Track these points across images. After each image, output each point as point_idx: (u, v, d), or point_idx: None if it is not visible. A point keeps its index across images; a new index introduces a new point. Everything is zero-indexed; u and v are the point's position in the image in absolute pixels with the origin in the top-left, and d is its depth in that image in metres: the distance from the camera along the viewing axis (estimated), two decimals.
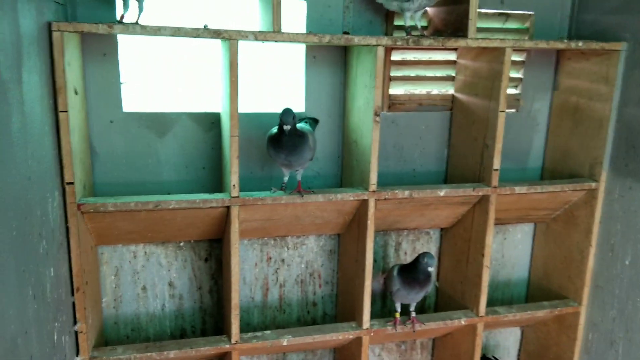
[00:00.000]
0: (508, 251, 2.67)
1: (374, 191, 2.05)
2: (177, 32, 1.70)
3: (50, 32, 1.59)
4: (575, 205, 2.42)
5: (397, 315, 2.21)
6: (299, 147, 1.88)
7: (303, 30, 2.14)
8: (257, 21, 2.07)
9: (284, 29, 1.85)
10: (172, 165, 2.11)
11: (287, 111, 1.82)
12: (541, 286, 2.65)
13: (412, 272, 2.11)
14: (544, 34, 2.41)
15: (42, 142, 1.50)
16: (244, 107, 1.88)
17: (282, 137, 1.84)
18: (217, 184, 2.16)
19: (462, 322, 2.29)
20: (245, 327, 2.33)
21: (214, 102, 2.10)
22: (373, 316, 2.21)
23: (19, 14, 1.32)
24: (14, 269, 1.24)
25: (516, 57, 2.43)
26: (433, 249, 2.55)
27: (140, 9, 1.78)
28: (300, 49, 2.19)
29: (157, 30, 1.69)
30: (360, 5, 2.17)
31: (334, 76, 2.22)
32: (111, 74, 1.96)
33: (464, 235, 2.36)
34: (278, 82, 2.28)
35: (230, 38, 1.76)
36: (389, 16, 2.22)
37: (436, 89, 2.39)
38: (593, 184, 2.32)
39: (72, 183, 1.70)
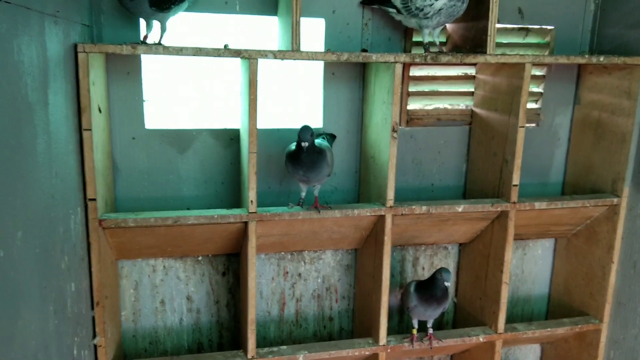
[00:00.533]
0: (528, 267, 2.63)
1: (391, 207, 2.05)
2: (198, 52, 1.74)
3: (76, 53, 1.63)
4: (597, 220, 2.38)
5: (414, 331, 2.20)
6: (317, 164, 1.89)
7: (321, 46, 2.16)
8: (276, 39, 2.10)
9: (302, 46, 1.87)
10: (192, 181, 2.14)
11: (306, 128, 1.83)
12: (562, 302, 2.61)
13: (429, 288, 2.10)
14: (565, 48, 2.39)
15: (67, 160, 1.54)
16: (262, 123, 1.90)
17: (301, 153, 1.86)
18: (235, 198, 2.18)
19: (481, 339, 2.26)
20: (262, 342, 2.34)
21: (233, 118, 2.13)
22: (390, 332, 2.20)
23: (46, 38, 1.36)
24: (36, 286, 1.27)
25: (536, 72, 2.41)
26: (451, 264, 2.53)
27: (163, 30, 1.82)
28: (319, 65, 2.21)
29: (179, 51, 1.72)
30: (379, 22, 2.18)
31: (352, 92, 2.23)
32: (134, 92, 2.00)
33: (483, 250, 2.34)
34: (296, 98, 2.30)
35: (250, 57, 1.78)
36: (407, 32, 2.22)
37: (455, 104, 2.38)
38: (615, 200, 2.28)
39: (94, 199, 1.73)
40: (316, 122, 2.24)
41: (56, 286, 1.42)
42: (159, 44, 1.80)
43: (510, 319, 2.50)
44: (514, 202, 2.16)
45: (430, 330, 2.21)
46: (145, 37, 1.84)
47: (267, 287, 2.33)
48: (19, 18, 1.18)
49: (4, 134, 1.09)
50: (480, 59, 2.02)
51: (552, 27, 2.38)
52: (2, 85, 1.09)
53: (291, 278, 2.36)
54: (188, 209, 2.12)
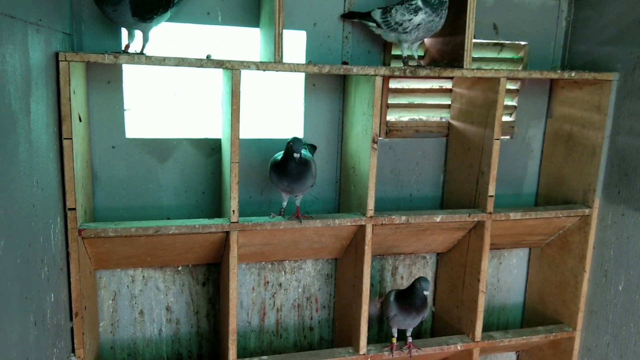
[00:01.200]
0: (503, 276, 2.69)
1: (371, 217, 2.08)
2: (181, 62, 1.75)
3: (57, 62, 1.62)
4: (569, 231, 2.46)
5: (394, 340, 2.23)
6: (302, 175, 1.91)
7: (302, 58, 2.19)
8: (257, 50, 2.12)
9: (284, 58, 1.89)
10: (172, 190, 2.13)
11: (298, 140, 1.85)
12: (536, 311, 2.67)
13: (408, 297, 2.13)
14: (537, 63, 2.48)
15: (47, 169, 1.53)
16: (243, 133, 1.91)
17: (287, 164, 1.87)
18: (216, 208, 2.18)
19: (459, 347, 2.30)
20: (242, 352, 2.33)
21: (214, 128, 2.14)
22: (370, 341, 2.22)
23: (29, 46, 1.36)
24: (17, 296, 1.25)
25: (511, 86, 2.49)
26: (429, 273, 2.57)
27: (146, 39, 1.82)
28: (300, 77, 2.23)
29: (161, 61, 1.73)
30: (359, 35, 2.22)
31: (332, 103, 2.26)
32: (115, 101, 1.99)
33: (460, 260, 2.39)
34: (277, 109, 2.32)
35: (232, 68, 1.80)
36: (386, 46, 2.27)
37: (433, 116, 2.44)
38: (586, 210, 2.36)
39: (74, 209, 1.72)
40: (297, 132, 2.26)
41: (36, 297, 1.40)
42: (142, 53, 1.81)
43: (486, 328, 2.54)
44: (490, 213, 2.21)
45: (410, 339, 2.24)
46: (127, 46, 1.84)
47: (247, 297, 2.33)
48: (4, 27, 1.18)
49: None
50: (457, 72, 2.08)
51: (525, 43, 2.46)
52: None
53: (272, 288, 2.36)
54: (168, 218, 2.11)
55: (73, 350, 1.79)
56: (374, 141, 2.00)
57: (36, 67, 1.42)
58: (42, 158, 1.48)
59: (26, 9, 1.34)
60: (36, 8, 1.42)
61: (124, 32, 1.90)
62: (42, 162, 1.48)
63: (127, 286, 2.16)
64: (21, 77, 1.29)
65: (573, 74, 2.21)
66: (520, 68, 2.48)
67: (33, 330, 1.37)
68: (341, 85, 2.25)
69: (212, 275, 2.25)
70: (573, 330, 2.45)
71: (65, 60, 1.64)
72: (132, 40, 1.84)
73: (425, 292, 2.08)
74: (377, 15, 2.06)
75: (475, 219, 2.22)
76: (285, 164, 1.88)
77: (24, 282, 1.30)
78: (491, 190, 2.19)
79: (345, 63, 2.22)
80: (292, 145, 1.84)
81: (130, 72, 2.03)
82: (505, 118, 2.51)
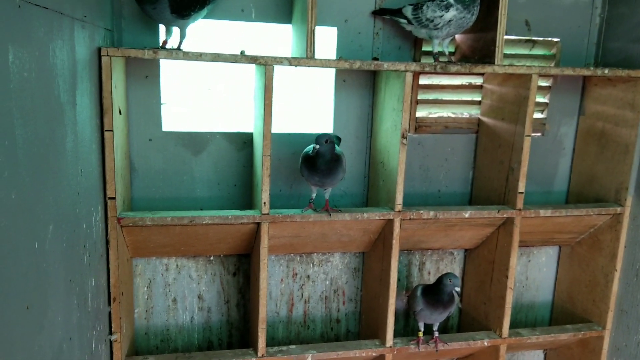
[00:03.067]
0: (532, 273, 2.68)
1: (399, 211, 2.10)
2: (216, 57, 1.80)
3: (99, 57, 1.69)
4: (600, 229, 2.43)
5: (420, 334, 2.24)
6: (334, 169, 1.95)
7: (333, 54, 2.23)
8: (288, 46, 2.16)
9: (316, 54, 1.93)
10: (206, 182, 2.19)
11: (324, 135, 1.89)
12: (565, 309, 2.65)
13: (435, 292, 2.14)
14: (570, 60, 2.45)
15: (90, 159, 1.60)
16: (274, 128, 1.96)
17: (318, 158, 1.91)
18: (247, 200, 2.24)
19: (485, 343, 2.31)
20: (270, 342, 2.38)
21: (247, 122, 2.19)
22: (396, 334, 2.24)
23: (75, 41, 1.43)
24: (62, 279, 1.33)
25: (543, 83, 2.47)
26: (457, 269, 2.57)
27: (183, 36, 1.88)
28: (331, 72, 2.27)
29: (198, 56, 1.78)
30: (389, 32, 2.24)
31: (362, 99, 2.29)
32: (152, 95, 2.06)
33: (488, 256, 2.39)
34: (308, 104, 2.36)
35: (266, 64, 1.84)
36: (417, 42, 2.29)
37: (462, 112, 2.44)
38: (618, 209, 2.33)
39: (113, 198, 1.79)
40: (327, 127, 2.30)
41: (79, 280, 1.47)
42: (179, 49, 1.87)
43: (514, 325, 2.54)
44: (520, 209, 2.21)
45: (436, 334, 2.25)
46: (165, 42, 1.91)
47: (276, 288, 2.38)
48: (54, 23, 1.24)
49: (40, 132, 1.15)
50: (488, 69, 2.08)
51: (558, 40, 2.44)
52: (40, 86, 1.15)
53: (300, 279, 2.41)
54: (201, 209, 2.18)
55: (110, 334, 1.87)
56: (404, 136, 2.03)
57: (81, 62, 1.49)
58: (86, 148, 1.55)
59: (72, 5, 1.40)
60: (81, 5, 1.49)
61: (162, 28, 1.97)
62: (85, 153, 1.55)
63: (162, 274, 2.23)
64: (68, 71, 1.36)
65: (606, 71, 2.19)
66: (552, 65, 2.46)
67: (76, 312, 1.44)
68: (371, 81, 2.28)
69: (242, 265, 2.31)
70: (602, 329, 2.43)
71: (107, 55, 1.71)
72: (169, 36, 1.90)
73: (456, 289, 2.09)
74: (408, 11, 2.07)
75: (505, 216, 2.22)
76: (316, 159, 1.92)
77: (69, 265, 1.37)
78: (521, 187, 2.19)
79: (375, 59, 2.24)
80: (317, 140, 1.88)
81: (167, 67, 2.10)
82: (537, 115, 2.50)
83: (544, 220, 2.31)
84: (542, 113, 2.52)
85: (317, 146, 1.88)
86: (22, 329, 1.06)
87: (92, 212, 1.63)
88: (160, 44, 1.92)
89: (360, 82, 2.28)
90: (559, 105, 2.51)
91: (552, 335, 2.39)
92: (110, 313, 1.87)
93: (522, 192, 2.19)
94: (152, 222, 1.88)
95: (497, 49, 2.06)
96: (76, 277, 1.44)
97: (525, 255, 2.65)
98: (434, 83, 2.38)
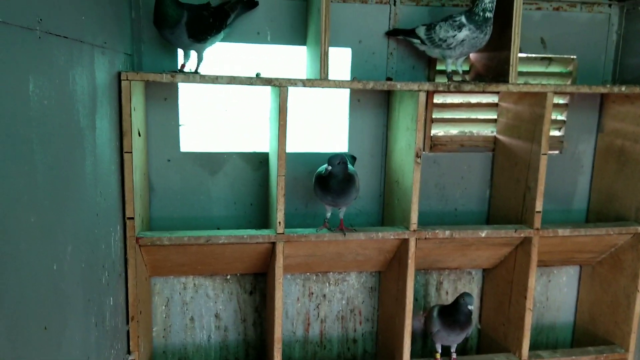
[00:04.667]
0: (553, 294, 2.63)
1: (415, 230, 2.09)
2: (232, 80, 1.84)
3: (119, 81, 1.75)
4: (622, 248, 2.38)
5: (438, 356, 2.22)
6: (346, 190, 1.95)
7: (347, 74, 2.25)
8: (303, 66, 2.20)
9: (329, 75, 1.95)
10: (222, 202, 2.23)
11: (336, 156, 1.89)
12: (587, 331, 2.59)
13: (452, 313, 2.12)
14: (587, 77, 2.44)
15: (109, 181, 1.65)
16: (289, 147, 1.98)
17: (331, 179, 1.92)
18: (263, 220, 2.26)
19: None
20: None
21: (262, 142, 2.22)
22: (413, 355, 2.22)
23: (95, 67, 1.48)
24: (81, 299, 1.36)
25: (559, 100, 2.46)
26: (475, 289, 2.54)
27: (200, 59, 1.93)
28: (345, 92, 2.29)
29: (214, 79, 1.83)
30: (403, 51, 2.26)
31: (376, 118, 2.31)
32: (171, 117, 2.11)
33: (507, 276, 2.36)
34: (323, 124, 2.39)
35: (280, 85, 1.88)
36: (431, 61, 2.30)
37: (478, 131, 2.44)
38: (639, 228, 2.28)
39: (132, 218, 1.83)
40: (342, 146, 2.32)
41: (97, 300, 1.50)
42: (196, 72, 1.92)
43: (534, 347, 2.48)
44: (537, 229, 2.18)
45: (454, 355, 2.22)
46: (183, 65, 1.96)
47: (292, 307, 2.39)
48: (74, 51, 1.29)
49: (59, 157, 1.19)
50: (502, 87, 2.08)
51: (574, 57, 2.43)
52: (59, 113, 1.20)
53: (316, 299, 2.41)
54: (218, 228, 2.20)
55: (129, 353, 1.89)
56: (418, 155, 2.03)
57: (101, 86, 1.54)
58: (105, 170, 1.60)
59: (93, 33, 1.46)
60: (101, 32, 1.55)
61: (180, 52, 2.02)
62: (105, 174, 1.59)
63: (179, 293, 2.26)
64: (88, 97, 1.41)
65: (623, 88, 2.16)
66: (569, 82, 2.45)
67: (94, 331, 1.47)
68: (385, 100, 2.30)
69: (259, 284, 2.33)
70: (625, 351, 2.37)
71: (127, 80, 1.76)
72: (187, 59, 1.95)
73: (470, 307, 2.07)
74: (421, 32, 2.09)
75: (522, 235, 2.20)
76: (329, 179, 1.93)
77: (87, 285, 1.40)
78: (538, 206, 2.16)
79: (389, 79, 2.26)
80: (329, 162, 1.88)
81: (185, 90, 2.15)
82: (555, 132, 2.48)
83: (563, 239, 2.27)
84: (559, 131, 2.50)
85: (330, 167, 1.89)
86: (40, 349, 1.09)
87: (111, 232, 1.67)
88: (179, 67, 1.97)
89: (375, 102, 2.29)
90: (577, 123, 2.49)
91: (573, 357, 2.34)
92: (128, 332, 1.89)
93: (539, 211, 2.17)
94: (170, 242, 1.91)
95: (511, 67, 2.06)
96: (94, 297, 1.47)
97: (546, 275, 2.61)
98: (449, 102, 2.39)
